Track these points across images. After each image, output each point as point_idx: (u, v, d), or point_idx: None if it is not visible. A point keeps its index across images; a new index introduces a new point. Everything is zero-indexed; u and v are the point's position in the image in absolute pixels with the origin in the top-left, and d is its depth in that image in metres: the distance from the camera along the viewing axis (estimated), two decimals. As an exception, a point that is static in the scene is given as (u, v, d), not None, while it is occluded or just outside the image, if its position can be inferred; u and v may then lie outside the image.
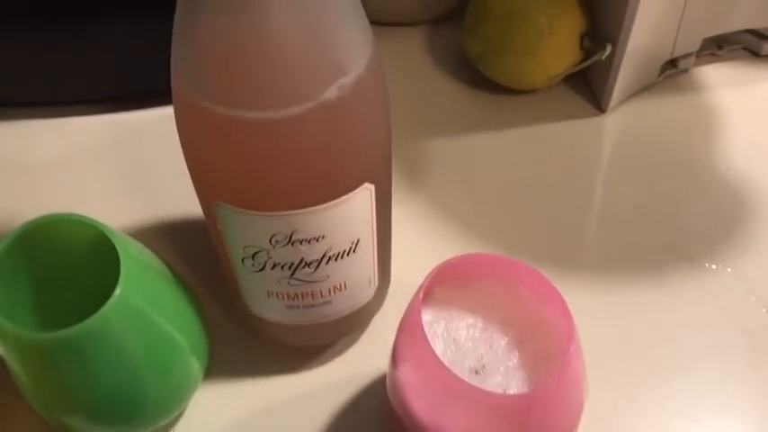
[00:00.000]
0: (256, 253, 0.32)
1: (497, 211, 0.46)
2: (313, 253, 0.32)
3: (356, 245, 0.33)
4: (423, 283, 0.30)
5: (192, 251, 0.44)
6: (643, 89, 0.51)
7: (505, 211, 0.46)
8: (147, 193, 0.47)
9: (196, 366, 0.36)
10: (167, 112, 0.50)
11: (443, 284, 0.32)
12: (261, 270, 0.33)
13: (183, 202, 0.45)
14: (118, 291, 0.29)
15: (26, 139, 0.50)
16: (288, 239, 0.31)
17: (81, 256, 0.34)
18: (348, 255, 0.33)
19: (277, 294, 0.35)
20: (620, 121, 0.50)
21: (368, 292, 0.37)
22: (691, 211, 0.46)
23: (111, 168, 0.49)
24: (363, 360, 0.40)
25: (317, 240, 0.32)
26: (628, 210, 0.46)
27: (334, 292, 0.35)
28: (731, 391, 0.39)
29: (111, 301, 0.29)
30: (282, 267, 0.33)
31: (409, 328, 0.30)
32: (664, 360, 0.40)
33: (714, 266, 0.43)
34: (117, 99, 0.52)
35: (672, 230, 0.45)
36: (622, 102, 0.51)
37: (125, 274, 0.30)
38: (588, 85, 0.51)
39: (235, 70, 0.27)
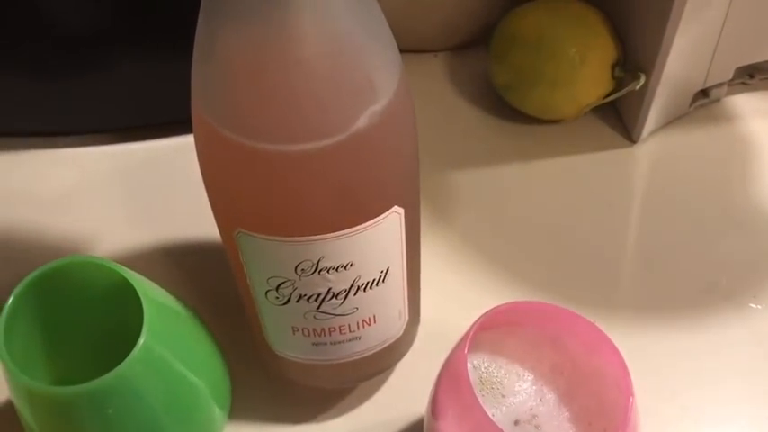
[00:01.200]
0: (281, 284, 0.31)
1: (526, 246, 0.44)
2: (341, 282, 0.31)
3: (386, 273, 0.31)
4: (468, 332, 0.28)
5: (207, 288, 0.42)
6: (674, 119, 0.50)
7: (534, 245, 0.44)
8: (161, 225, 0.46)
9: (218, 413, 0.35)
10: (180, 141, 0.49)
11: (486, 331, 0.30)
12: (286, 303, 0.31)
13: (198, 234, 0.44)
14: (141, 340, 0.28)
15: (37, 170, 0.49)
16: (315, 268, 0.30)
17: (98, 298, 0.33)
18: (377, 284, 0.31)
19: (303, 330, 0.33)
20: (652, 153, 0.49)
21: (398, 327, 0.35)
22: (729, 246, 0.44)
23: (123, 199, 0.47)
24: (391, 406, 0.38)
25: (345, 268, 0.30)
26: (664, 245, 0.44)
27: (363, 326, 0.33)
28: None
29: (134, 352, 0.28)
30: (309, 299, 0.31)
31: (453, 379, 0.28)
32: (708, 406, 0.38)
33: (759, 306, 0.41)
34: (129, 129, 0.51)
35: (711, 268, 0.43)
36: (653, 132, 0.49)
37: (148, 323, 0.28)
38: (618, 115, 0.50)
39: (262, 102, 0.25)
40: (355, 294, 0.31)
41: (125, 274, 0.30)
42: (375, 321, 0.33)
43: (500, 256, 0.44)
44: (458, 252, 0.44)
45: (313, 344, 0.34)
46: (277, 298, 0.31)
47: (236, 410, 0.37)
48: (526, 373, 0.30)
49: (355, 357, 0.35)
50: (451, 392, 0.28)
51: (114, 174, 0.49)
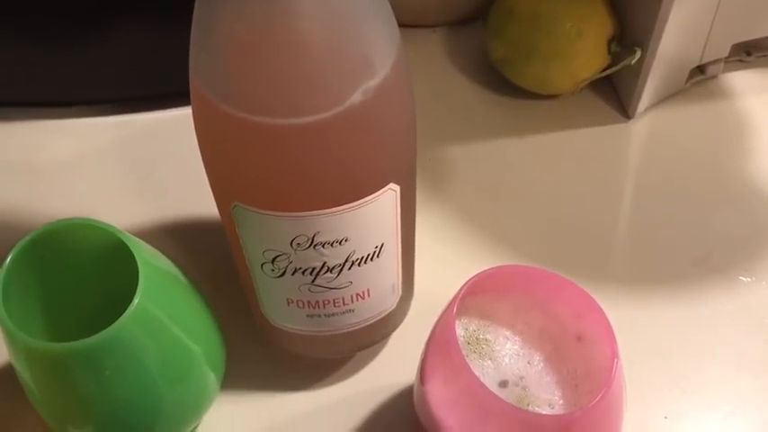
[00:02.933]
0: (277, 257, 0.31)
1: (521, 220, 0.45)
2: (336, 257, 0.31)
3: (380, 249, 0.32)
4: (457, 294, 0.28)
5: (205, 258, 0.43)
6: (670, 95, 0.50)
7: (530, 219, 0.45)
8: (159, 196, 0.46)
9: (212, 379, 0.35)
10: (179, 113, 0.49)
11: (476, 295, 0.31)
12: (281, 276, 0.32)
13: (196, 205, 0.44)
14: (136, 300, 0.28)
15: (36, 141, 0.49)
16: (310, 242, 0.30)
17: (94, 261, 0.33)
18: (372, 259, 0.32)
19: (297, 302, 0.33)
20: (648, 128, 0.49)
21: (391, 301, 0.35)
22: (722, 221, 0.44)
23: (122, 170, 0.48)
24: (385, 374, 0.39)
25: (341, 243, 0.30)
26: (657, 220, 0.44)
27: (357, 299, 0.34)
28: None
29: (129, 311, 0.28)
30: (304, 272, 0.31)
31: (441, 342, 0.28)
32: (697, 377, 0.38)
33: (749, 279, 0.42)
34: (129, 100, 0.51)
35: (703, 242, 0.43)
36: (649, 108, 0.49)
37: (143, 283, 0.29)
38: (614, 91, 0.50)
39: (257, 75, 0.26)
40: (350, 269, 0.32)
41: (122, 237, 0.30)
42: (369, 295, 0.34)
43: (495, 229, 0.44)
44: (453, 225, 0.44)
45: (307, 315, 0.34)
46: (272, 270, 0.32)
47: (231, 376, 0.37)
48: (515, 337, 0.30)
49: (349, 329, 0.35)
50: (440, 355, 0.29)
51: (114, 145, 0.49)
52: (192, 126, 0.30)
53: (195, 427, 0.37)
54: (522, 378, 0.29)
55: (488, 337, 0.30)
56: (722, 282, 0.42)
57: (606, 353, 0.28)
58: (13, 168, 0.48)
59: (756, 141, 0.48)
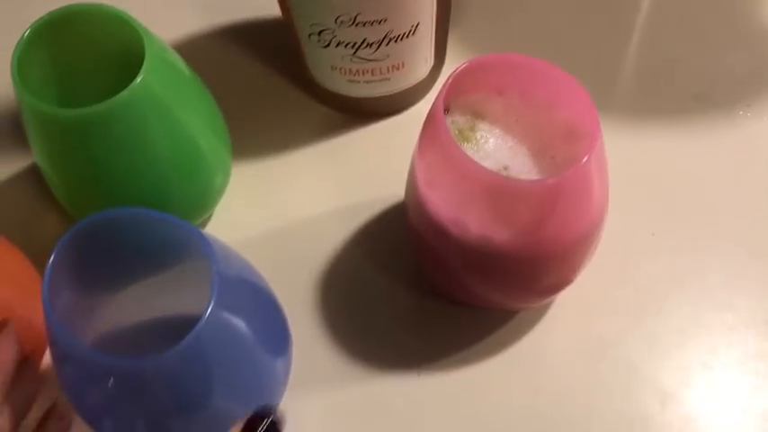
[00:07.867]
0: (322, 31, 0.35)
1: (531, 44, 0.44)
2: (375, 34, 0.35)
3: (416, 28, 0.35)
4: (447, 80, 0.29)
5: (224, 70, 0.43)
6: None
7: (539, 45, 0.44)
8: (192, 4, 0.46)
9: (219, 175, 0.36)
10: None
11: (469, 94, 0.31)
12: (326, 47, 0.36)
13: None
14: (140, 77, 0.29)
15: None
16: (352, 21, 0.34)
17: (111, 50, 0.34)
18: (408, 37, 0.36)
19: (340, 69, 0.38)
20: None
21: (424, 71, 0.39)
22: (729, 59, 0.44)
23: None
24: (385, 186, 0.40)
25: (380, 23, 0.34)
26: (664, 54, 0.44)
27: (393, 70, 0.38)
28: (756, 233, 0.38)
29: (133, 85, 0.29)
30: (346, 46, 0.36)
31: (431, 125, 0.29)
32: (688, 202, 0.39)
33: (749, 114, 0.42)
34: None
35: (708, 77, 0.43)
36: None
37: (149, 64, 0.30)
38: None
39: None
40: (387, 45, 0.36)
41: (132, 23, 0.30)
42: (403, 66, 0.38)
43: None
44: (471, 38, 0.44)
45: (348, 81, 0.38)
46: (318, 42, 0.36)
47: (239, 175, 0.39)
48: (503, 132, 0.31)
49: (385, 94, 0.40)
50: (430, 139, 0.29)
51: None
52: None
53: (207, 219, 0.39)
54: (506, 167, 0.30)
55: (477, 132, 0.31)
56: (722, 115, 0.42)
57: (591, 132, 0.28)
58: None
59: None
